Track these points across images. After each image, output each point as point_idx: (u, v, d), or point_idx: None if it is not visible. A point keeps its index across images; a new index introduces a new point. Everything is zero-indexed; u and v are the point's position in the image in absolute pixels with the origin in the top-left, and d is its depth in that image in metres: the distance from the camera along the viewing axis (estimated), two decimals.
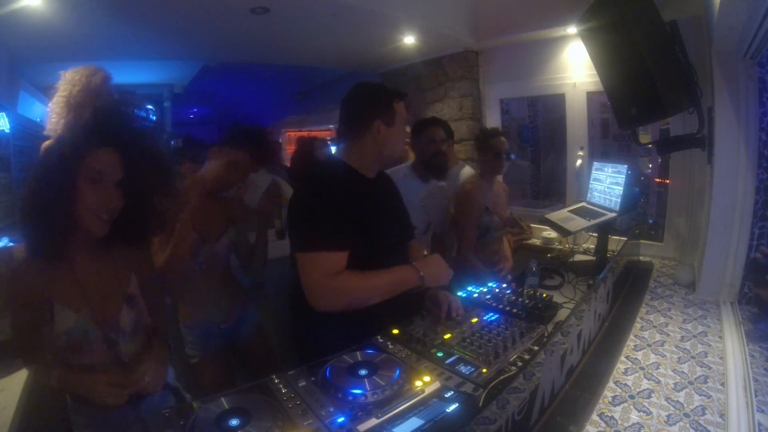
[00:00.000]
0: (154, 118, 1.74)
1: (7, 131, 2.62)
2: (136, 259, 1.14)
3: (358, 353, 1.03)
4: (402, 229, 1.48)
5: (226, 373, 1.75)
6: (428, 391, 0.89)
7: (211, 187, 1.65)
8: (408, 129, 1.42)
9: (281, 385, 0.93)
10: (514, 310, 1.31)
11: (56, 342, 0.99)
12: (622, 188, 2.20)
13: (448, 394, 0.88)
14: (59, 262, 0.99)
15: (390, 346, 1.10)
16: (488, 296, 1.43)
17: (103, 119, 0.97)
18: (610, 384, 1.32)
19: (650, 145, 2.64)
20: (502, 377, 0.96)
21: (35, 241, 0.95)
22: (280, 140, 6.92)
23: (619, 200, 2.21)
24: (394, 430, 0.77)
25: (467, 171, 2.60)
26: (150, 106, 4.97)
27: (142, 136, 1.03)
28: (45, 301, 0.98)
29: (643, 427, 1.12)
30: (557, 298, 1.55)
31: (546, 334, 1.18)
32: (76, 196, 0.94)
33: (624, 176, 2.21)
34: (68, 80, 1.26)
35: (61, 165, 0.92)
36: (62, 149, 0.93)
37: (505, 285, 1.51)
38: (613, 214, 2.22)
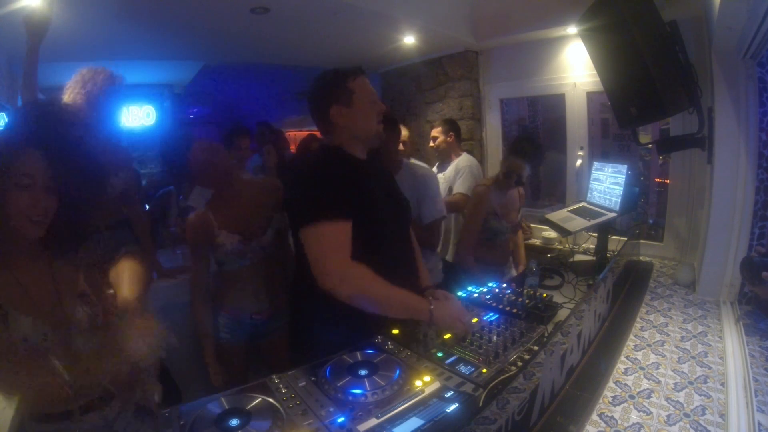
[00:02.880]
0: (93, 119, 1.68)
1: None
2: (80, 257, 1.09)
3: (358, 353, 1.03)
4: (398, 206, 1.45)
5: (242, 362, 1.76)
6: (428, 391, 0.89)
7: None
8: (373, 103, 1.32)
9: (281, 385, 0.93)
10: (514, 310, 1.31)
11: (15, 351, 0.92)
12: (622, 188, 2.21)
13: (448, 394, 0.88)
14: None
15: (390, 346, 1.11)
16: (488, 296, 1.43)
17: (29, 121, 0.95)
18: (610, 384, 1.32)
19: (650, 145, 2.64)
20: (502, 377, 0.96)
21: None
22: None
23: (619, 200, 2.22)
24: (394, 430, 0.78)
25: (464, 160, 2.67)
26: (150, 106, 5.00)
27: (68, 139, 0.97)
28: None
29: (643, 427, 1.12)
30: (557, 298, 1.55)
31: (546, 334, 1.18)
32: (5, 199, 0.90)
33: (624, 176, 2.21)
34: (80, 79, 1.24)
35: None
36: None
37: (505, 285, 1.51)
38: (613, 214, 2.22)
